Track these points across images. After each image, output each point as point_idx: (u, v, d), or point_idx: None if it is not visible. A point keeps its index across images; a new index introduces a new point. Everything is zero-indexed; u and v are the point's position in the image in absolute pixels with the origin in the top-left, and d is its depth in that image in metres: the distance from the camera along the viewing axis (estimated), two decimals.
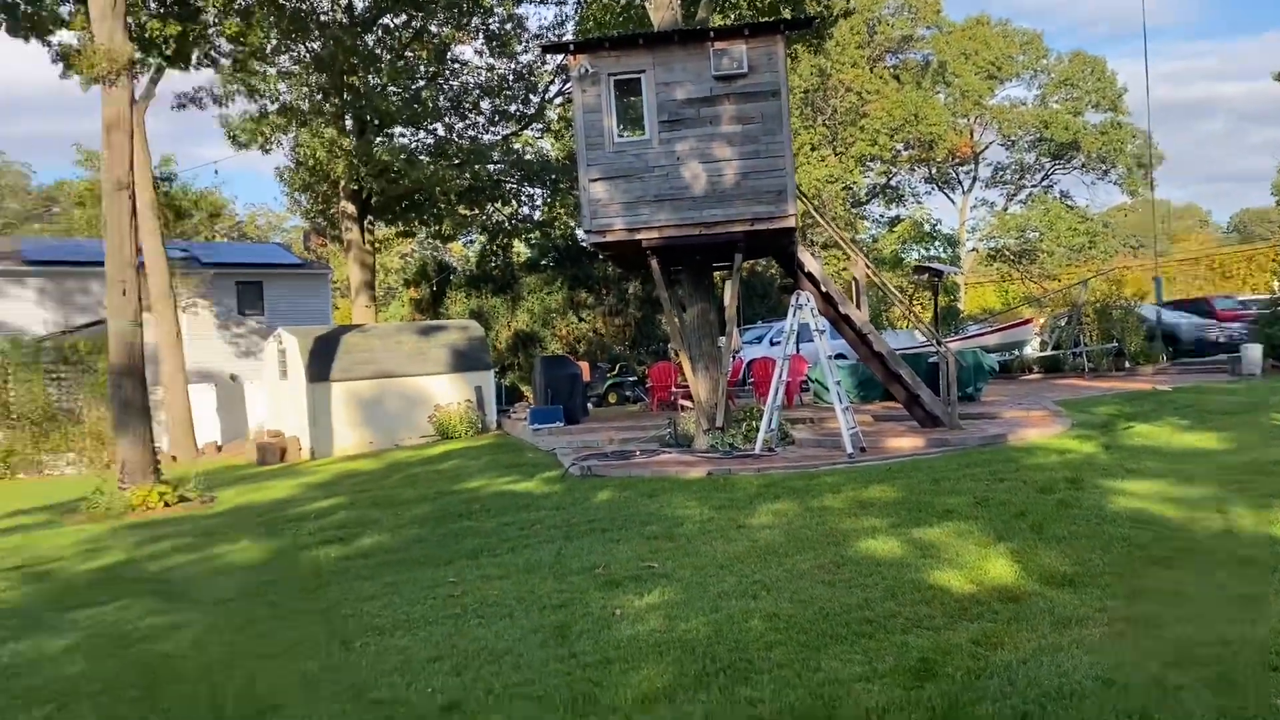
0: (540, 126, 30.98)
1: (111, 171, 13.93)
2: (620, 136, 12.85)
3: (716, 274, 15.73)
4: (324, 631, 6.19)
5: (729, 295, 14.46)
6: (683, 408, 16.94)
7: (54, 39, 19.59)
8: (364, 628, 6.18)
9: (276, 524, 10.99)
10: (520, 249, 34.95)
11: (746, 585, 6.30)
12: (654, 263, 13.11)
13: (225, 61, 23.14)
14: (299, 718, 4.60)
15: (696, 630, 5.42)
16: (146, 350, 14.53)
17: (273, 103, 25.14)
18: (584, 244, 32.09)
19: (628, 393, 25.04)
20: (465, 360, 20.61)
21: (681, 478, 11.36)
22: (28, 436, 21.37)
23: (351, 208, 26.74)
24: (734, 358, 17.89)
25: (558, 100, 30.24)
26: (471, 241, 37.84)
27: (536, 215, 32.26)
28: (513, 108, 29.39)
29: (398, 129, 26.89)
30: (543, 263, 33.27)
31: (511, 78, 28.78)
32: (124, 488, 13.11)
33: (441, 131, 28.36)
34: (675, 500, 9.79)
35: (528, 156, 29.98)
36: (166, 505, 12.79)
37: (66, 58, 19.27)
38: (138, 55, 16.47)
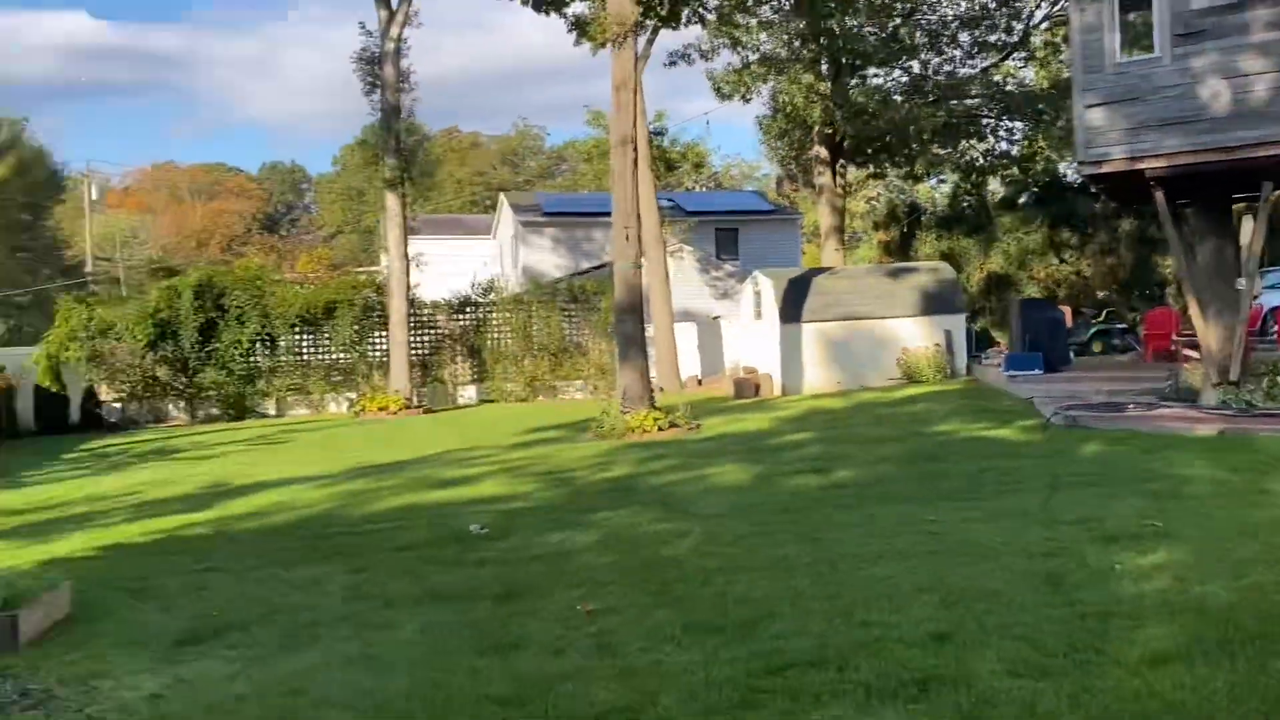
0: (1023, 55, 28.96)
1: (618, 127, 15.47)
2: (1121, 56, 11.69)
3: (1234, 207, 13.80)
4: (807, 552, 6.51)
5: (1250, 232, 12.62)
6: (1186, 359, 15.21)
7: (569, 10, 22.07)
8: (845, 554, 6.40)
9: (757, 452, 11.70)
10: (995, 187, 33.24)
11: (1276, 554, 5.57)
12: (1159, 195, 11.83)
13: (711, 17, 24.50)
14: (796, 628, 4.91)
15: (1215, 595, 4.92)
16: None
17: (754, 53, 26.19)
18: (1068, 179, 29.78)
19: (1115, 341, 22.91)
20: (935, 303, 20.18)
21: (1186, 435, 10.30)
22: (546, 365, 24.70)
23: (824, 152, 27.18)
24: (1253, 304, 15.59)
25: (1044, 25, 28.07)
26: (942, 181, 36.65)
27: (1014, 151, 30.39)
28: (993, 37, 27.79)
29: (872, 70, 26.70)
30: (1020, 200, 31.32)
31: (993, 4, 27.20)
32: (625, 412, 14.68)
33: (917, 69, 27.68)
34: (1179, 458, 8.90)
35: (1008, 88, 28.24)
36: (660, 430, 14.14)
37: (580, 26, 21.62)
38: (638, 18, 17.96)
